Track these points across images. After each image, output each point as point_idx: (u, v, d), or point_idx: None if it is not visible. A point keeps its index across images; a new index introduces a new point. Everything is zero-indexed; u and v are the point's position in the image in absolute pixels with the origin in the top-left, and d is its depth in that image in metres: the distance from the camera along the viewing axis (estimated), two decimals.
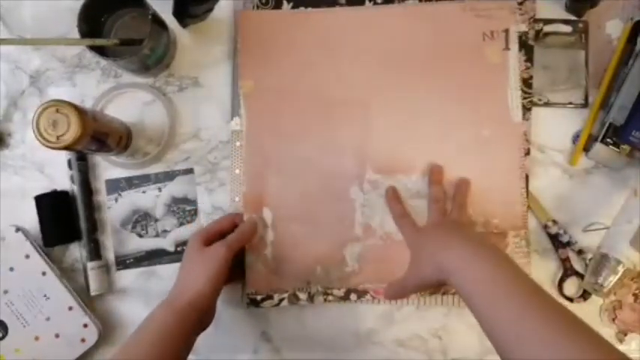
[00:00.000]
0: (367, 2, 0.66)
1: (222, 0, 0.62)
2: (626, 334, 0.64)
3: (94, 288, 0.64)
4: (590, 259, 0.63)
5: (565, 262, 0.65)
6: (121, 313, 0.66)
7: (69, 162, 0.65)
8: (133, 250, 0.67)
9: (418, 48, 0.65)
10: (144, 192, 0.67)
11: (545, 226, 0.65)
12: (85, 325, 0.64)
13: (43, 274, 0.64)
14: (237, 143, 0.66)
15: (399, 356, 0.66)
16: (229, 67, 0.67)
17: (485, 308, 0.49)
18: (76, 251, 0.66)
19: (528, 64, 0.65)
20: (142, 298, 0.66)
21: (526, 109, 0.65)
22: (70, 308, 0.64)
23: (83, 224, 0.65)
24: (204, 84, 0.67)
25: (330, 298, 0.65)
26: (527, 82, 0.65)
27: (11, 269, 0.63)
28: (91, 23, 0.59)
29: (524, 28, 0.65)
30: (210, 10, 0.62)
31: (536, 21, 0.66)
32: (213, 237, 0.61)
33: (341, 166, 0.65)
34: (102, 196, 0.67)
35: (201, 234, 0.61)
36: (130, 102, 0.67)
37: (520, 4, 0.65)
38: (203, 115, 0.67)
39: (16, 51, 0.67)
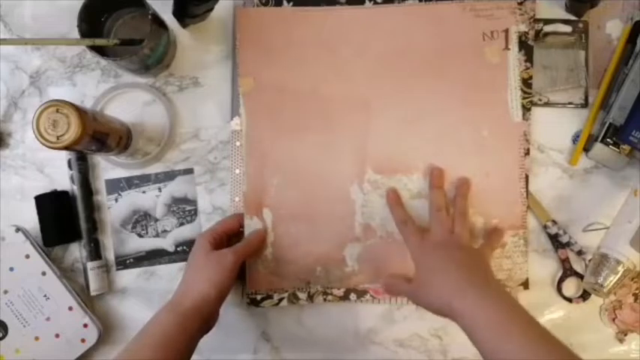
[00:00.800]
0: (367, 2, 0.66)
1: (222, 0, 0.62)
2: (626, 334, 0.64)
3: (94, 288, 0.64)
4: (589, 260, 0.63)
5: (565, 262, 0.65)
6: (121, 313, 0.66)
7: (69, 162, 0.65)
8: (133, 250, 0.67)
9: (418, 48, 0.65)
10: (144, 192, 0.67)
11: (545, 226, 0.65)
12: (85, 325, 0.64)
13: (43, 274, 0.64)
14: (237, 143, 0.66)
15: (399, 356, 0.66)
16: (229, 67, 0.67)
17: (493, 352, 0.50)
18: (76, 251, 0.66)
19: (528, 64, 0.65)
20: (141, 298, 0.66)
21: (526, 109, 0.65)
22: (70, 308, 0.64)
23: (83, 224, 0.65)
24: (204, 84, 0.67)
25: (330, 297, 0.65)
26: (527, 82, 0.65)
27: (11, 269, 0.63)
28: (91, 23, 0.59)
29: (524, 28, 0.65)
30: (210, 10, 0.62)
31: (536, 21, 0.66)
32: (219, 238, 0.61)
33: (341, 166, 0.65)
34: (102, 196, 0.67)
35: (208, 235, 0.61)
36: (130, 102, 0.67)
37: (520, 4, 0.65)
38: (203, 115, 0.67)
39: (16, 51, 0.67)
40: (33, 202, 0.65)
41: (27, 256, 0.64)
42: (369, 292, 0.65)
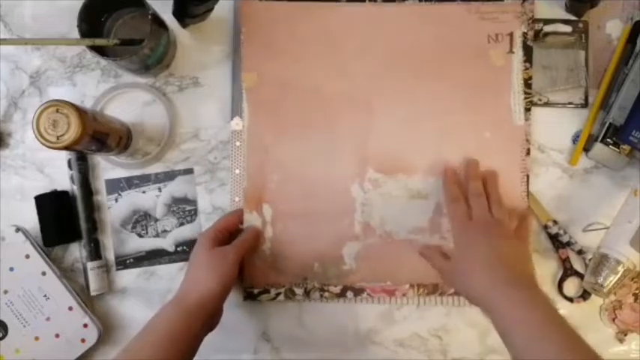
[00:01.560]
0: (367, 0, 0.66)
1: (222, 0, 0.62)
2: (626, 334, 0.64)
3: (94, 288, 0.64)
4: (590, 259, 0.63)
5: (565, 262, 0.65)
6: (121, 313, 0.66)
7: (69, 162, 0.65)
8: (133, 250, 0.67)
9: (422, 48, 0.66)
10: (144, 192, 0.67)
11: (545, 226, 0.65)
12: (85, 325, 0.63)
13: (43, 274, 0.64)
14: (237, 143, 0.66)
15: (399, 356, 0.66)
16: (229, 67, 0.67)
17: (524, 349, 0.50)
18: (76, 251, 0.66)
19: (527, 65, 0.65)
20: (142, 298, 0.66)
21: (526, 110, 0.65)
22: (70, 308, 0.64)
23: (83, 224, 0.65)
24: (204, 84, 0.67)
25: (327, 294, 0.65)
26: (526, 83, 0.65)
27: (11, 269, 0.63)
28: (91, 23, 0.59)
29: (523, 29, 0.65)
30: (210, 10, 0.62)
31: (536, 21, 0.66)
32: (221, 235, 0.61)
33: (342, 164, 0.65)
34: (102, 196, 0.67)
35: (210, 233, 0.61)
36: (130, 102, 0.67)
37: (520, 5, 0.65)
38: (203, 115, 0.67)
39: (16, 51, 0.67)
40: (33, 202, 0.65)
41: (27, 256, 0.64)
42: (366, 291, 0.65)
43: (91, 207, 0.66)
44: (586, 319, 0.65)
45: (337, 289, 0.65)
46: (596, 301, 0.65)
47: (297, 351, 0.66)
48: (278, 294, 0.65)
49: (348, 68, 0.66)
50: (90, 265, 0.64)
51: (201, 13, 0.62)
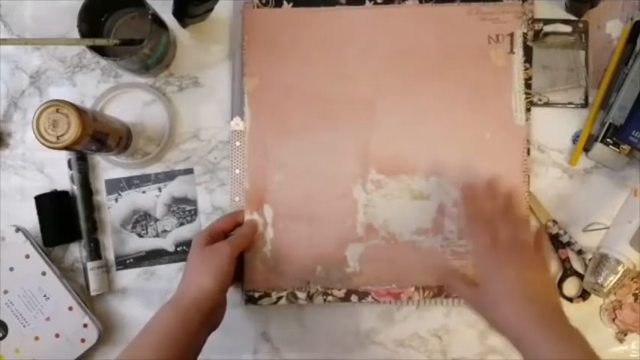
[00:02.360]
0: (367, 2, 0.66)
1: (222, 0, 0.62)
2: (626, 334, 0.64)
3: (94, 288, 0.64)
4: (590, 259, 0.63)
5: (565, 262, 0.65)
6: (121, 313, 0.66)
7: (69, 162, 0.65)
8: (133, 250, 0.67)
9: (423, 49, 0.66)
10: (144, 192, 0.67)
11: (545, 226, 0.65)
12: (85, 325, 0.63)
13: (43, 274, 0.64)
14: (237, 143, 0.66)
15: (399, 356, 0.66)
16: (229, 67, 0.67)
17: None
18: (76, 251, 0.66)
19: (527, 65, 0.65)
20: (142, 298, 0.66)
21: (526, 110, 0.65)
22: (70, 308, 0.64)
23: (83, 224, 0.65)
24: (204, 84, 0.67)
25: (330, 298, 0.65)
26: (526, 83, 0.65)
27: (11, 269, 0.63)
28: (91, 23, 0.59)
29: (523, 29, 0.65)
30: (210, 10, 0.62)
31: (536, 21, 0.66)
32: (216, 236, 0.61)
33: (344, 166, 0.65)
34: (102, 196, 0.67)
35: (204, 234, 0.61)
36: (130, 102, 0.67)
37: (520, 5, 0.65)
38: (203, 115, 0.67)
39: (16, 51, 0.67)
40: (33, 202, 0.65)
41: (27, 256, 0.64)
42: (371, 294, 0.64)
43: (91, 207, 0.66)
44: (586, 319, 0.65)
45: (341, 293, 0.64)
46: (596, 301, 0.64)
47: (297, 351, 0.66)
48: (279, 298, 0.64)
49: (350, 70, 0.66)
50: (90, 265, 0.64)
51: (201, 13, 0.62)
